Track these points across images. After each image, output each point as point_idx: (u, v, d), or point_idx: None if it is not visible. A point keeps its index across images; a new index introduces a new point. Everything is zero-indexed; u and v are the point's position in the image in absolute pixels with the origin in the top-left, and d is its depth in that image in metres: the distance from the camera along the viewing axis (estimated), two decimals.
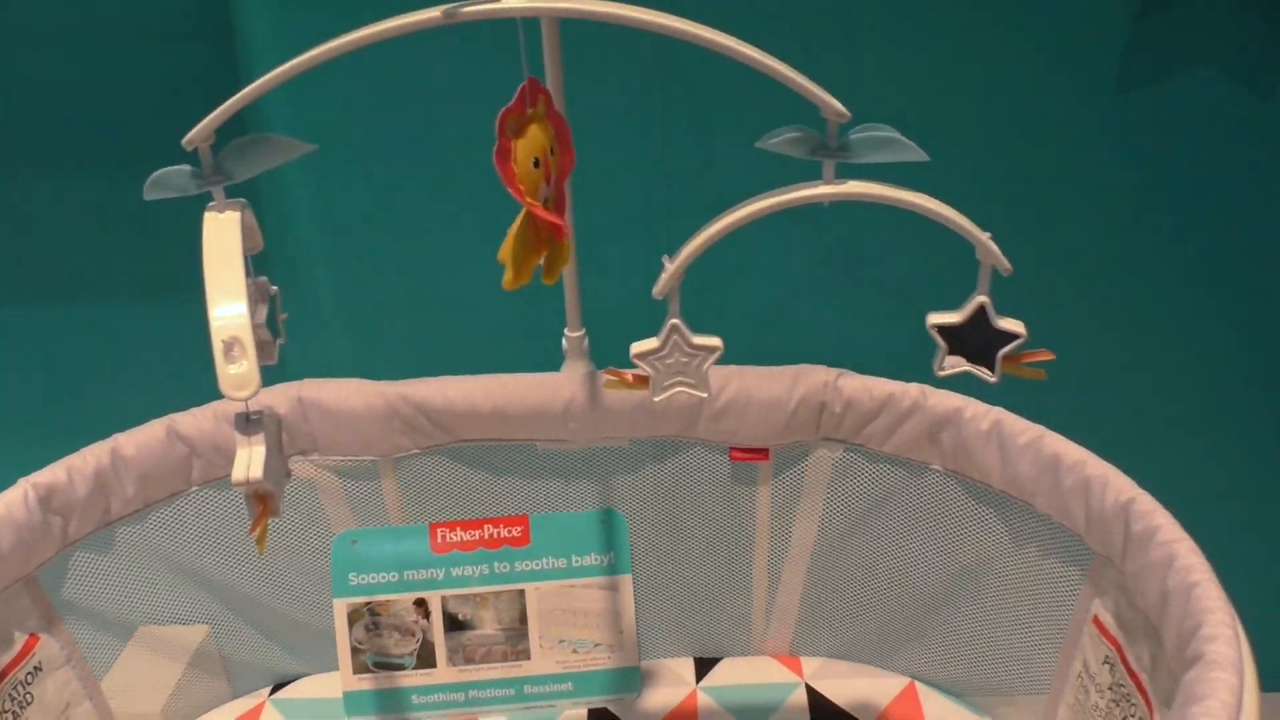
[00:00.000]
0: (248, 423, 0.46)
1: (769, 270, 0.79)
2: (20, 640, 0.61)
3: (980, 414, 0.63)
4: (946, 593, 0.69)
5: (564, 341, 0.67)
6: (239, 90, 0.43)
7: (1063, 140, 0.73)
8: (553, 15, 0.49)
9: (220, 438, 0.66)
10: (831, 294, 0.79)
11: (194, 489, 0.67)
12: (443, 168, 0.74)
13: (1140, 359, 0.81)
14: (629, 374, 0.50)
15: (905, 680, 0.74)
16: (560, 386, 0.67)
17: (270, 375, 0.77)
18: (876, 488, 0.69)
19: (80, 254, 0.79)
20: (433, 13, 0.41)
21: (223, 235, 0.43)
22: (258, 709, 0.74)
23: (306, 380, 0.68)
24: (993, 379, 0.47)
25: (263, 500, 0.47)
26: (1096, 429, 0.61)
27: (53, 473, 0.61)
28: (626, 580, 0.72)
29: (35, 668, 0.62)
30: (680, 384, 0.48)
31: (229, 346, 0.42)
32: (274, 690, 0.75)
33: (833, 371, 0.67)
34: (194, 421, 0.66)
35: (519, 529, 0.71)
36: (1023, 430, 0.62)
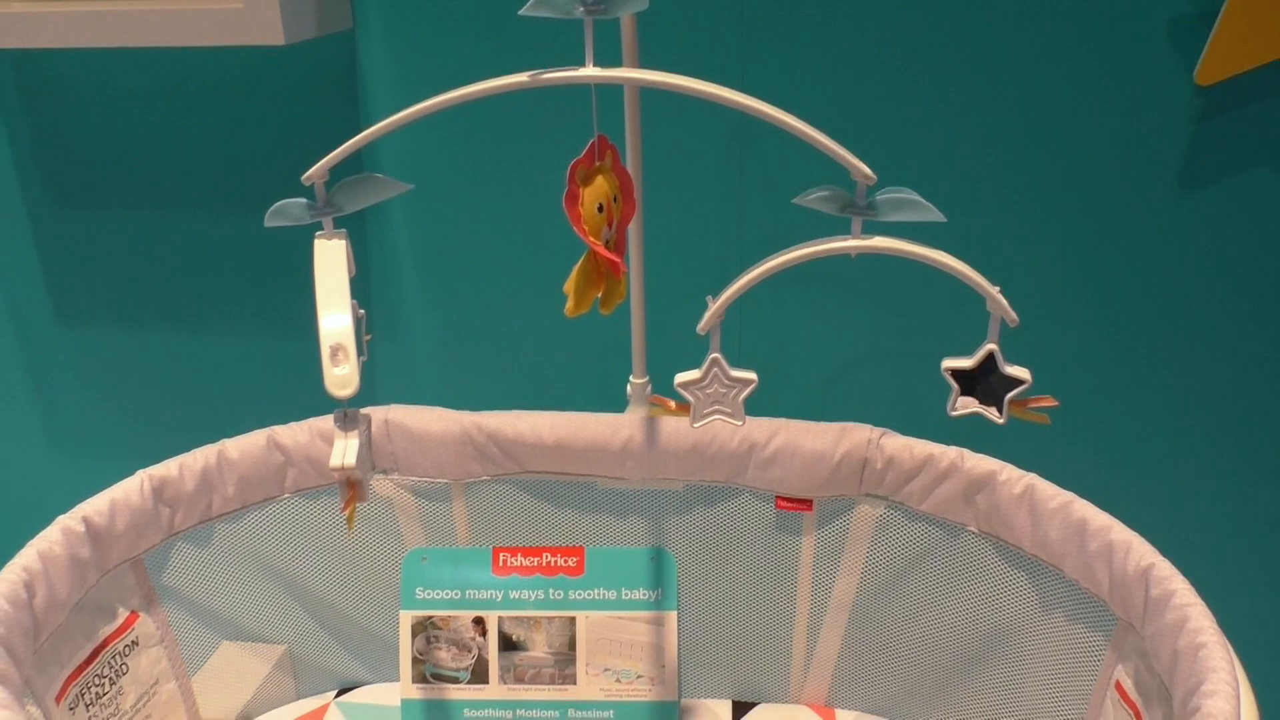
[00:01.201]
0: (345, 418, 0.53)
1: (828, 338, 0.84)
2: (123, 615, 0.68)
3: (1014, 478, 0.66)
4: (977, 653, 0.72)
5: (628, 387, 0.73)
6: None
7: (1123, 235, 0.77)
8: (615, 83, 0.56)
9: (313, 451, 0.74)
10: (885, 362, 0.83)
11: (287, 495, 0.75)
12: (532, 217, 0.82)
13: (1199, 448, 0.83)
14: (672, 402, 0.55)
15: None
16: (620, 427, 0.72)
17: (363, 400, 0.85)
18: (915, 546, 0.72)
19: (217, 287, 0.89)
20: (520, 77, 0.49)
21: (331, 257, 0.51)
22: (322, 710, 0.79)
23: (394, 405, 0.75)
24: (999, 420, 0.51)
25: (353, 486, 0.54)
26: (1128, 495, 0.64)
27: (166, 467, 0.69)
28: (672, 617, 0.76)
29: (133, 642, 0.69)
30: (718, 412, 0.53)
31: (334, 352, 0.50)
32: (339, 694, 0.81)
33: (877, 430, 0.71)
34: (291, 434, 0.73)
35: (575, 559, 0.77)
36: (1053, 495, 0.65)
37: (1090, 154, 0.75)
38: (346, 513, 0.54)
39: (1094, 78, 0.73)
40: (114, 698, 0.67)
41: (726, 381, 0.53)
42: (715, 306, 0.51)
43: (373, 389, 0.89)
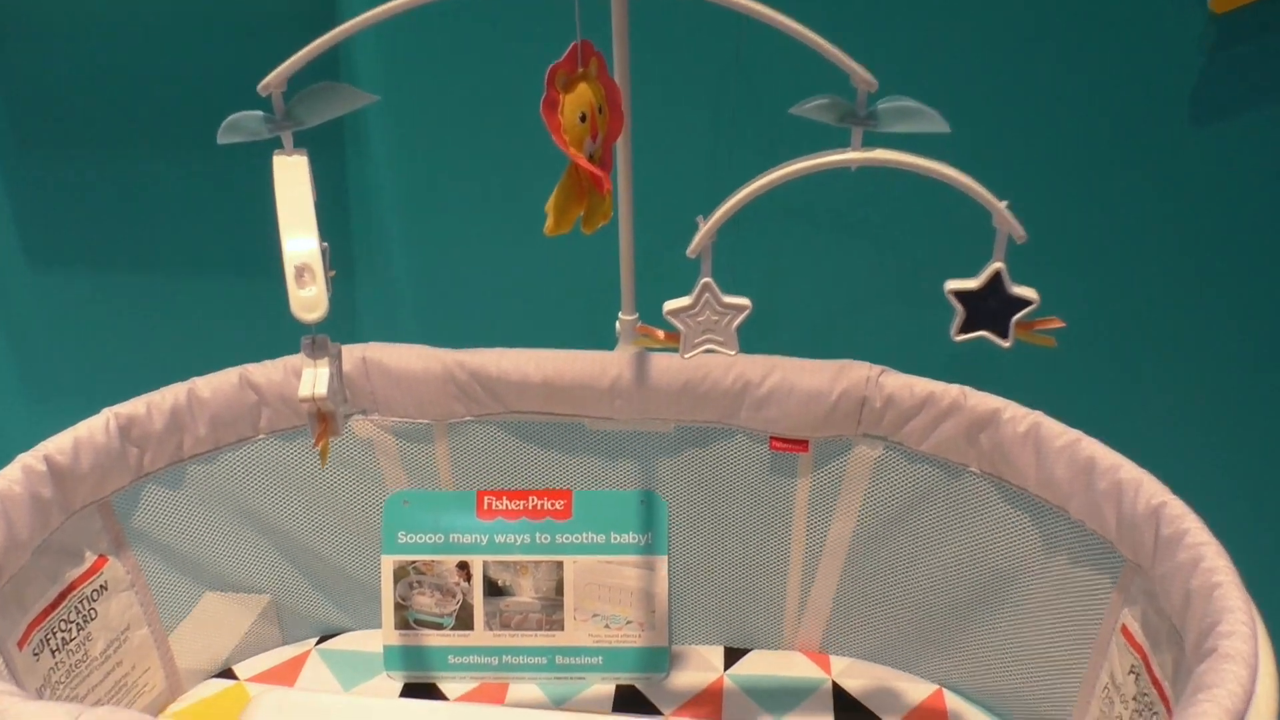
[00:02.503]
0: (314, 346, 0.50)
1: (823, 277, 0.81)
2: (90, 559, 0.65)
3: (1019, 416, 0.64)
4: (977, 598, 0.69)
5: (617, 324, 0.70)
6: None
7: (1133, 163, 0.74)
8: None
9: (288, 389, 0.71)
10: (881, 301, 0.80)
11: (261, 436, 0.72)
12: (518, 145, 0.78)
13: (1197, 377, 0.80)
14: (660, 331, 0.52)
15: (933, 686, 0.73)
16: (609, 364, 0.69)
17: (341, 340, 0.82)
18: (914, 487, 0.69)
19: (192, 228, 0.86)
20: None
21: (292, 175, 0.47)
22: (303, 657, 0.77)
23: (371, 343, 0.72)
24: (1005, 344, 0.48)
25: (324, 419, 0.51)
26: (1134, 433, 0.61)
27: (134, 405, 0.66)
28: (662, 561, 0.74)
29: (101, 586, 0.66)
30: (709, 341, 0.50)
31: (300, 272, 0.46)
32: (319, 641, 0.79)
33: (875, 368, 0.68)
34: (265, 372, 0.70)
35: (562, 503, 0.74)
36: (1060, 434, 0.62)
37: (1101, 80, 0.72)
38: (319, 447, 0.52)
39: (1108, 2, 0.69)
40: (82, 644, 0.64)
41: (718, 308, 0.50)
42: (706, 227, 0.48)
43: (351, 329, 0.86)
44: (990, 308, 0.48)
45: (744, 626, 0.77)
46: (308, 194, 0.47)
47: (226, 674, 0.75)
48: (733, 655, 0.77)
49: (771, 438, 0.71)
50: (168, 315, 0.89)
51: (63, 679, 0.63)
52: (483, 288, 0.84)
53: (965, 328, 0.49)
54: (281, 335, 0.70)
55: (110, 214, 0.87)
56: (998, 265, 0.48)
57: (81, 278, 0.89)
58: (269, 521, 0.74)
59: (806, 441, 0.70)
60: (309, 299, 0.47)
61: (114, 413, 0.65)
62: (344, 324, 0.85)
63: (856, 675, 0.74)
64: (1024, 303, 0.48)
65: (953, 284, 0.49)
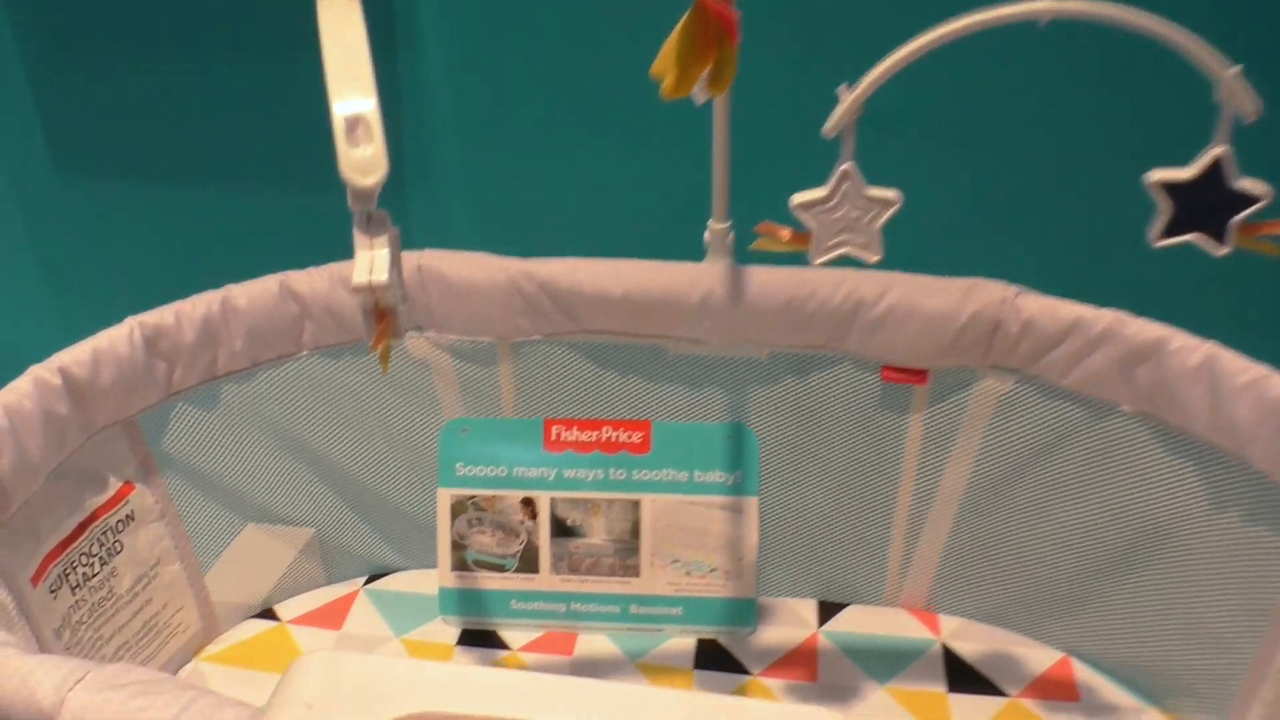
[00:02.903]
0: (370, 221, 0.41)
1: (944, 191, 0.70)
2: (114, 485, 0.58)
3: (1189, 347, 0.54)
4: (1120, 558, 0.60)
5: (706, 234, 0.60)
6: None
7: None
8: None
9: (334, 301, 0.62)
10: (1007, 223, 0.70)
11: (305, 353, 0.64)
12: (588, 22, 0.68)
13: None
14: (785, 230, 0.43)
15: (1059, 655, 0.64)
16: (699, 277, 0.60)
17: (410, 230, 0.73)
18: (1049, 429, 0.60)
19: (226, 133, 0.77)
20: None
21: (342, 16, 0.38)
22: (350, 597, 0.70)
23: (428, 250, 0.64)
24: (1222, 250, 0.38)
25: (383, 316, 0.42)
26: None
27: (161, 314, 0.58)
28: (752, 503, 0.65)
29: (127, 517, 0.59)
30: (846, 243, 0.41)
31: (352, 126, 0.37)
32: (368, 581, 0.72)
33: (1011, 288, 0.58)
34: (308, 280, 0.62)
35: (640, 435, 0.65)
36: (1242, 369, 0.52)
37: None
38: (377, 349, 0.43)
39: None
40: (106, 580, 0.58)
41: (860, 201, 0.40)
42: (850, 98, 0.38)
43: (420, 223, 0.77)
44: (1205, 204, 0.38)
45: (840, 579, 0.69)
46: (361, 40, 0.38)
47: (267, 614, 0.69)
48: (827, 610, 0.68)
49: (883, 367, 0.61)
50: (202, 228, 0.81)
51: (85, 618, 0.56)
52: (547, 195, 0.75)
53: (1171, 229, 0.39)
54: (323, 249, 0.62)
55: (140, 119, 0.78)
56: (1220, 150, 0.38)
57: (110, 187, 0.82)
58: (313, 448, 0.67)
59: (925, 372, 0.61)
60: (364, 159, 0.38)
61: (138, 322, 0.58)
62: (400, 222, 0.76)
63: (970, 638, 0.66)
64: (1249, 200, 0.38)
65: (1160, 174, 0.39)
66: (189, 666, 0.65)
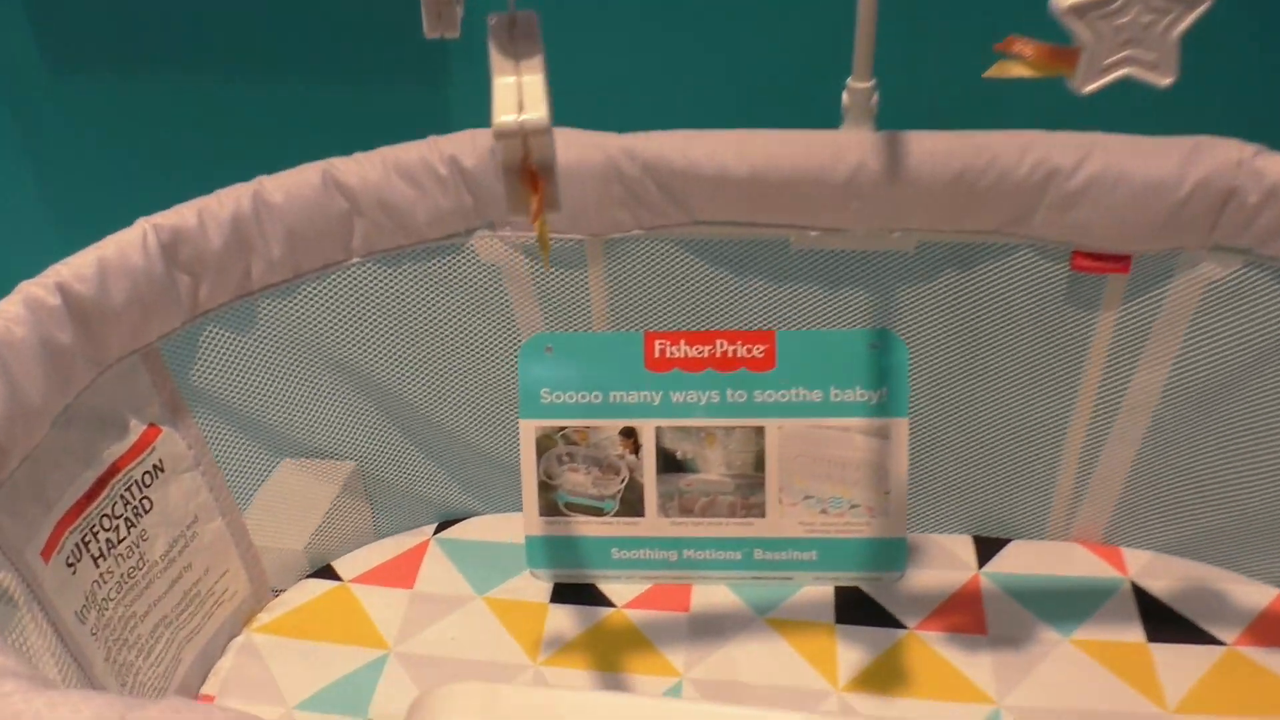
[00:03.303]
0: (512, 32, 0.29)
1: None
2: (137, 430, 0.47)
3: None
4: None
5: (845, 96, 0.48)
6: None
7: None
8: None
9: (389, 193, 0.51)
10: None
11: (355, 260, 0.52)
12: None
13: None
14: (1038, 46, 0.31)
15: (1274, 590, 0.54)
16: (846, 148, 0.48)
17: (452, 121, 0.60)
18: (1277, 324, 0.48)
19: (229, 19, 0.64)
20: None
21: None
22: (420, 550, 0.60)
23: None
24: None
25: (536, 178, 0.30)
26: None
27: (180, 214, 0.47)
28: (901, 425, 0.54)
29: (155, 467, 0.48)
30: (1130, 61, 0.29)
31: None
32: (439, 529, 0.61)
33: (1248, 146, 0.46)
34: (357, 169, 0.50)
35: (763, 348, 0.54)
36: None
37: None
38: (535, 225, 0.31)
39: None
40: (135, 545, 0.47)
41: (1158, 1, 0.28)
42: None
43: (464, 110, 0.65)
44: None
45: (1000, 511, 0.58)
46: None
47: (325, 573, 0.59)
48: (985, 548, 0.58)
49: (1075, 253, 0.49)
50: (211, 124, 0.69)
51: (113, 594, 0.46)
52: (639, 53, 0.62)
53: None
54: (364, 144, 0.50)
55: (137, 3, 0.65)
56: None
57: (107, 81, 0.69)
58: (369, 375, 0.56)
59: (1128, 258, 0.49)
60: None
61: (153, 224, 0.46)
62: (448, 107, 0.63)
63: (1163, 574, 0.55)
64: None
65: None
66: (240, 639, 0.55)
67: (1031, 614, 0.54)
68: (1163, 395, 0.53)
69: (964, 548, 0.58)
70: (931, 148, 0.48)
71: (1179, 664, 0.51)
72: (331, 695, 0.51)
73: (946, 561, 0.57)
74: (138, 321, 0.46)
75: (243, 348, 0.52)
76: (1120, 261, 0.49)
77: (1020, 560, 0.57)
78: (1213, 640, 0.52)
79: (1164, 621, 0.53)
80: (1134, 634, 0.52)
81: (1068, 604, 0.54)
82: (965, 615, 0.54)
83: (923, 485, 0.57)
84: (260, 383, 0.53)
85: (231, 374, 0.52)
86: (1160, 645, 0.52)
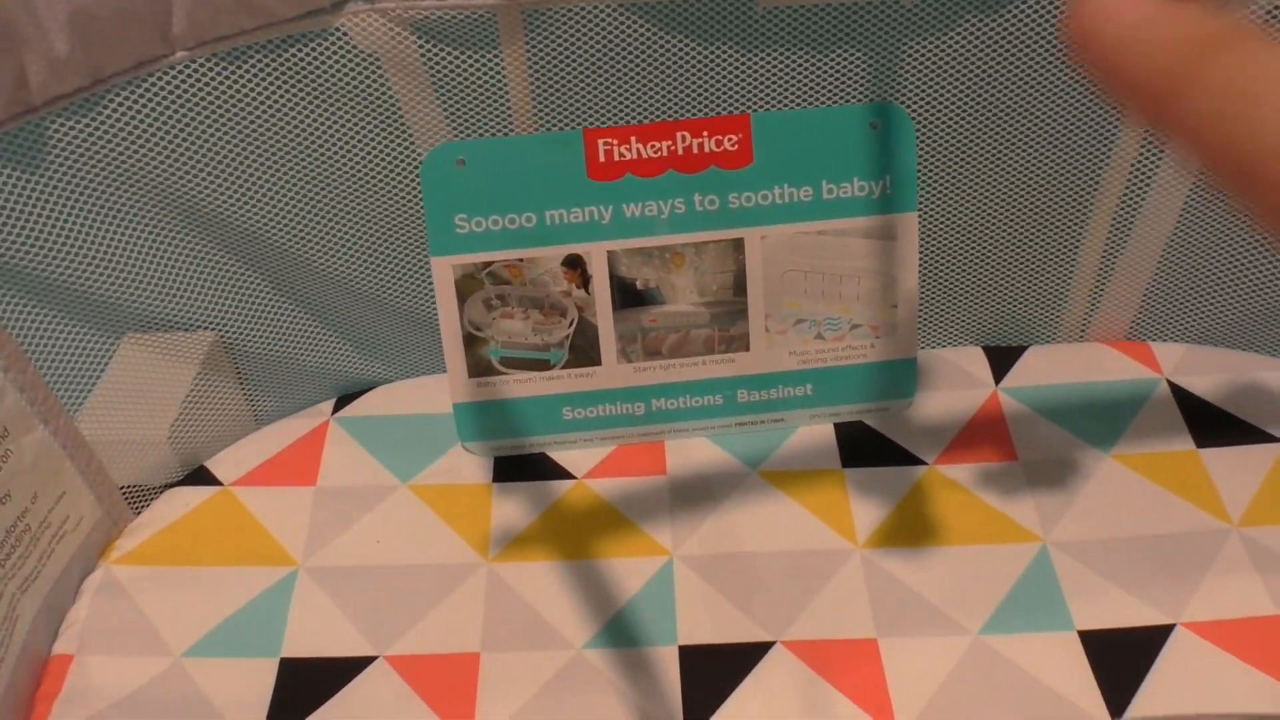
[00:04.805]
0: None
1: None
2: None
3: None
4: None
5: None
6: None
7: None
8: None
9: None
10: None
11: (179, 56, 0.38)
12: None
13: None
14: None
15: None
16: None
17: None
18: None
19: None
20: None
21: None
22: (318, 434, 0.47)
23: None
24: None
25: None
26: None
27: None
28: (910, 221, 0.44)
29: None
30: None
31: None
32: (338, 406, 0.49)
33: None
34: None
35: (736, 138, 0.43)
36: None
37: None
38: None
39: None
40: None
41: None
42: None
43: None
44: None
45: (1010, 314, 0.49)
46: None
47: (198, 477, 0.46)
48: (999, 359, 0.50)
49: None
50: None
51: None
52: None
53: None
54: None
55: None
56: None
57: None
58: (216, 215, 0.42)
59: None
60: None
61: None
62: None
63: (1201, 368, 0.48)
64: None
65: None
66: (96, 575, 0.42)
67: (1064, 430, 0.46)
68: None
69: (975, 361, 0.49)
70: None
71: (1236, 469, 0.44)
72: (229, 634, 0.40)
73: (957, 380, 0.48)
74: None
75: (32, 191, 0.37)
76: None
77: (1040, 369, 0.49)
78: (1269, 438, 0.45)
79: (1211, 422, 0.46)
80: (1181, 441, 0.45)
81: (1102, 414, 0.47)
82: (989, 441, 0.46)
83: (923, 293, 0.48)
84: (66, 239, 0.39)
85: (22, 229, 0.37)
86: (1211, 450, 0.45)
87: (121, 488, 0.43)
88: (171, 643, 0.40)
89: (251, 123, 0.40)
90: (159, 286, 0.43)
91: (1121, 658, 0.38)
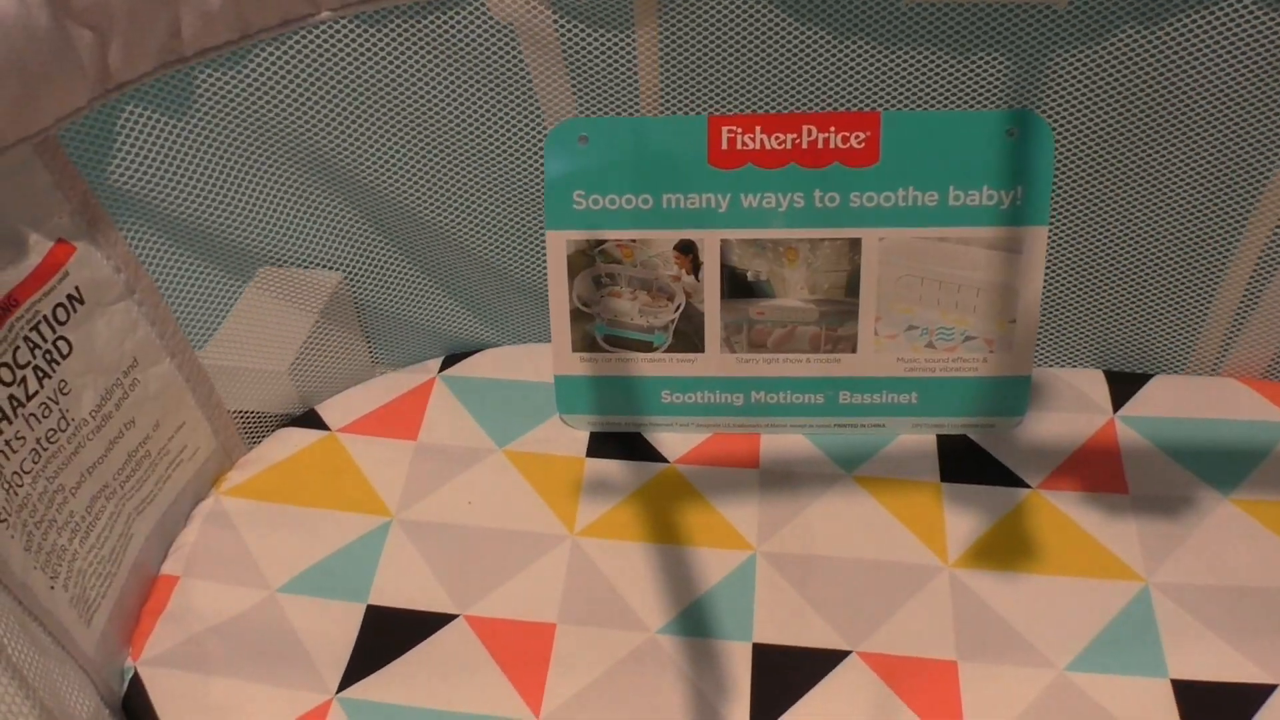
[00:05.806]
0: None
1: None
2: (40, 248, 0.35)
3: None
4: None
5: None
6: None
7: None
8: None
9: None
10: None
11: (324, 16, 0.39)
12: None
13: None
14: None
15: None
16: None
17: None
18: None
19: None
20: None
21: None
22: (424, 390, 0.49)
23: None
24: None
25: None
26: None
27: None
28: (1039, 236, 0.42)
29: (71, 297, 0.36)
30: None
31: None
32: (445, 365, 0.50)
33: None
34: None
35: (863, 136, 0.42)
36: None
37: None
38: None
39: None
40: (52, 401, 0.36)
41: None
42: None
43: None
44: None
45: (1137, 340, 0.47)
46: None
47: (308, 420, 0.48)
48: (1122, 386, 0.47)
49: None
50: None
51: (28, 465, 0.35)
52: None
53: None
54: None
55: None
56: None
57: None
58: (347, 172, 0.43)
59: None
60: None
61: None
62: None
63: None
64: None
65: None
66: (207, 504, 0.44)
67: (1182, 467, 0.44)
68: None
69: (1095, 385, 0.47)
70: None
71: None
72: (322, 575, 0.42)
73: (1074, 403, 0.47)
74: (19, 96, 0.32)
75: (178, 136, 0.39)
76: None
77: (1164, 400, 0.46)
78: None
79: None
80: None
81: (1226, 454, 0.44)
82: (1100, 470, 0.44)
83: (1045, 310, 0.46)
84: (205, 183, 0.41)
85: (166, 172, 0.39)
86: None
87: (240, 413, 0.45)
88: (269, 576, 0.42)
89: (387, 85, 0.41)
90: (288, 235, 0.44)
91: (1215, 713, 0.36)
